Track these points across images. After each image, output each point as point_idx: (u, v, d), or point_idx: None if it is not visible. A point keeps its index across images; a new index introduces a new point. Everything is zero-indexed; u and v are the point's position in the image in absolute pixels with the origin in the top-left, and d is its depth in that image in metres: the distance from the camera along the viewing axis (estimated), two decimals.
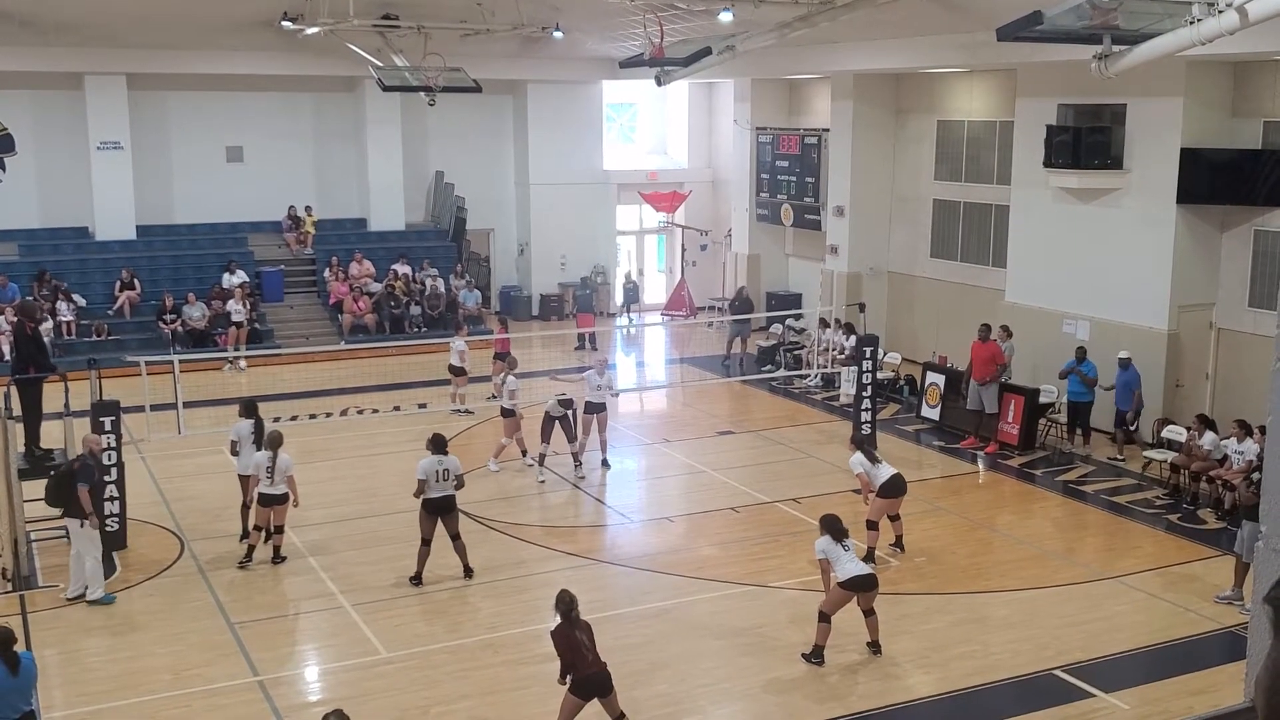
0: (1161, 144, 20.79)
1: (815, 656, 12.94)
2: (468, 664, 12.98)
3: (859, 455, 15.79)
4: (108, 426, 16.02)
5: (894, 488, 15.68)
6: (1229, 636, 13.60)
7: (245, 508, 16.32)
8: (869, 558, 15.20)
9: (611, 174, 34.41)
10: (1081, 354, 20.84)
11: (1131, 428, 20.54)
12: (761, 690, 12.53)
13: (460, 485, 15.21)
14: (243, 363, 26.89)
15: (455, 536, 15.23)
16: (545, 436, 19.42)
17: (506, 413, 19.75)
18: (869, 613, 13.05)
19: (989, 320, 22.52)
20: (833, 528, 12.90)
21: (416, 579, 15.07)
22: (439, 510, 15.07)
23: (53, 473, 14.98)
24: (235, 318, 28.01)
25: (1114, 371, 20.56)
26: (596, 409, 19.80)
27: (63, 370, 17.45)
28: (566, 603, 11.07)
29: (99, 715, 11.83)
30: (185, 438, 18.90)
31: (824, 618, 12.91)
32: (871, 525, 15.60)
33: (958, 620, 14.20)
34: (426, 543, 15.09)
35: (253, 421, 16.43)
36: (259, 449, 15.80)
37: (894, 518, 16.08)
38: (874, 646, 13.15)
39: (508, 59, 29.61)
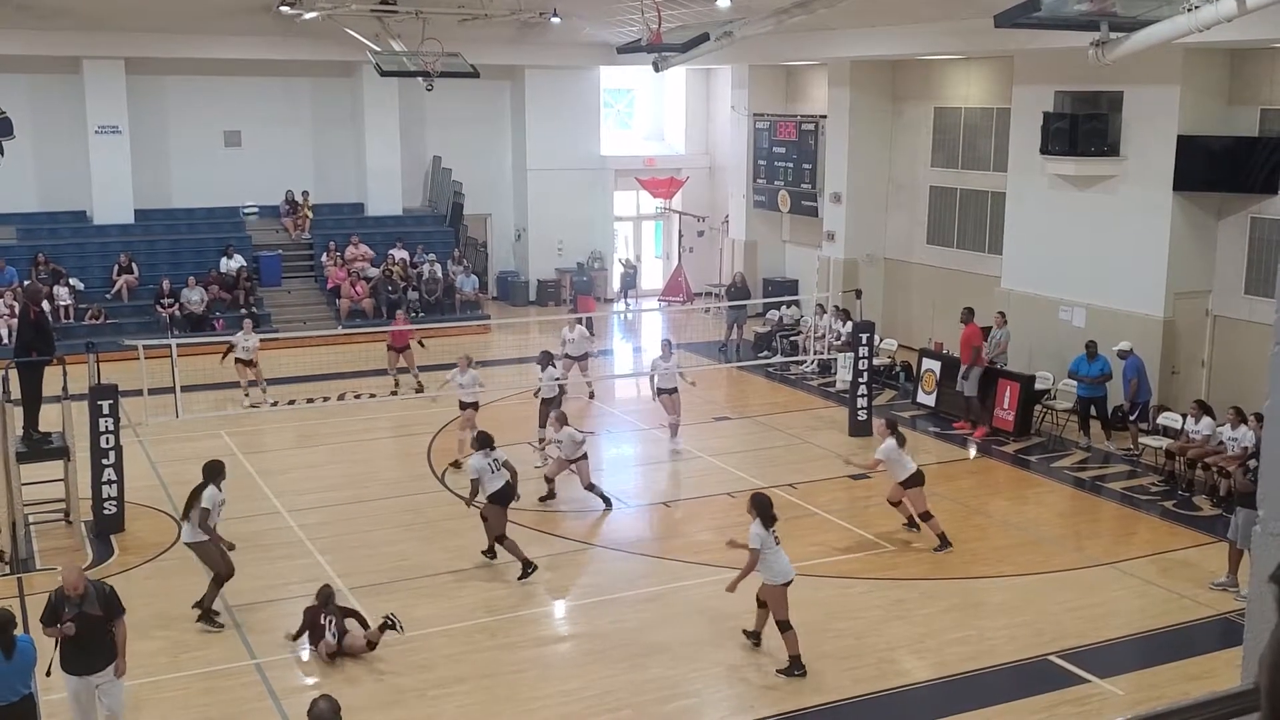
0: (1158, 131, 20.81)
1: (796, 669, 12.49)
2: (464, 647, 13.03)
3: (892, 441, 15.95)
4: (105, 410, 16.06)
5: (916, 480, 15.97)
6: (1224, 622, 13.67)
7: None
8: (911, 524, 16.32)
9: (609, 160, 34.38)
10: (1093, 349, 20.53)
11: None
12: (757, 674, 12.58)
13: (513, 471, 15.12)
14: (263, 397, 22.71)
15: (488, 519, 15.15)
16: (543, 421, 19.50)
17: (465, 405, 19.56)
18: (764, 604, 12.86)
19: (985, 307, 22.59)
20: (764, 511, 12.51)
21: (528, 566, 14.82)
22: (506, 499, 14.91)
23: (71, 625, 10.28)
24: (242, 354, 22.55)
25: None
26: (668, 391, 20.26)
27: (60, 354, 17.44)
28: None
29: None
30: (183, 421, 18.94)
31: (785, 626, 12.50)
32: (894, 503, 16.39)
33: (953, 606, 14.26)
34: (503, 538, 14.86)
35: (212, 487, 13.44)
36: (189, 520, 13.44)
37: (926, 516, 16.14)
38: (754, 637, 13.00)
39: (505, 44, 29.56)
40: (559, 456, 17.58)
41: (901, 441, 16.08)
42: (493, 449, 15.00)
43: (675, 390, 20.39)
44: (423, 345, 23.96)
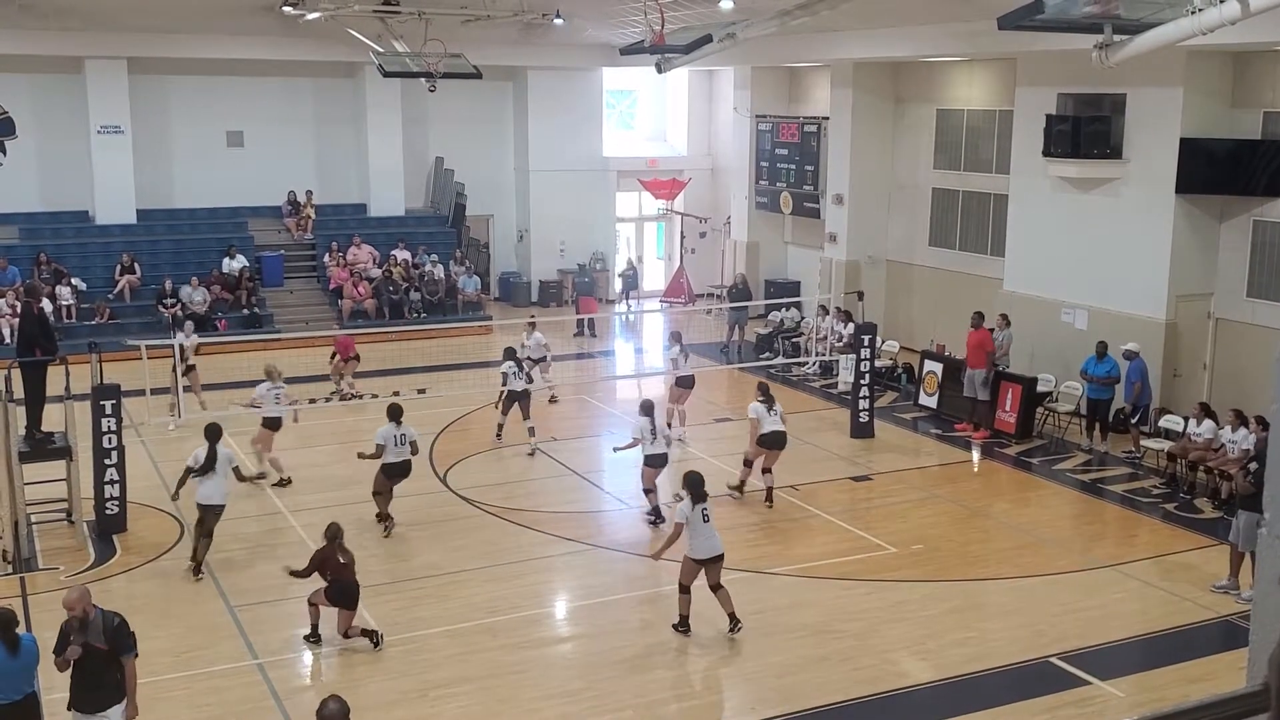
0: (1161, 134, 20.82)
1: (681, 625, 13.25)
2: (466, 648, 13.03)
3: (758, 404, 17.46)
4: (108, 410, 16.07)
5: (772, 441, 17.31)
6: (1225, 625, 13.68)
7: (201, 536, 14.90)
8: (738, 488, 17.78)
9: (611, 161, 34.41)
10: (1102, 349, 20.41)
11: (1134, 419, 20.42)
12: (758, 675, 12.59)
13: (415, 451, 16.39)
14: (179, 415, 20.08)
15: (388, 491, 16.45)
16: (524, 412, 20.21)
17: (270, 423, 18.46)
18: (717, 588, 13.11)
19: (987, 309, 22.62)
20: (695, 490, 13.06)
21: (387, 520, 16.40)
22: (399, 474, 16.29)
23: (77, 648, 9.59)
24: (188, 359, 21.35)
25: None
26: (686, 383, 20.93)
27: (63, 354, 17.45)
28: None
29: None
30: (185, 421, 18.95)
31: (684, 589, 13.20)
32: (747, 462, 17.71)
33: (954, 607, 14.26)
34: (379, 494, 16.34)
35: (206, 447, 14.74)
36: (210, 475, 14.59)
37: (766, 470, 17.48)
38: (734, 621, 13.13)
39: (508, 45, 29.60)
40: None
41: (769, 404, 17.37)
42: (401, 423, 16.10)
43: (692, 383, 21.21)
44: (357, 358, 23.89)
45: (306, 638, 13.07)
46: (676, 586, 13.33)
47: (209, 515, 14.74)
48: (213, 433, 14.88)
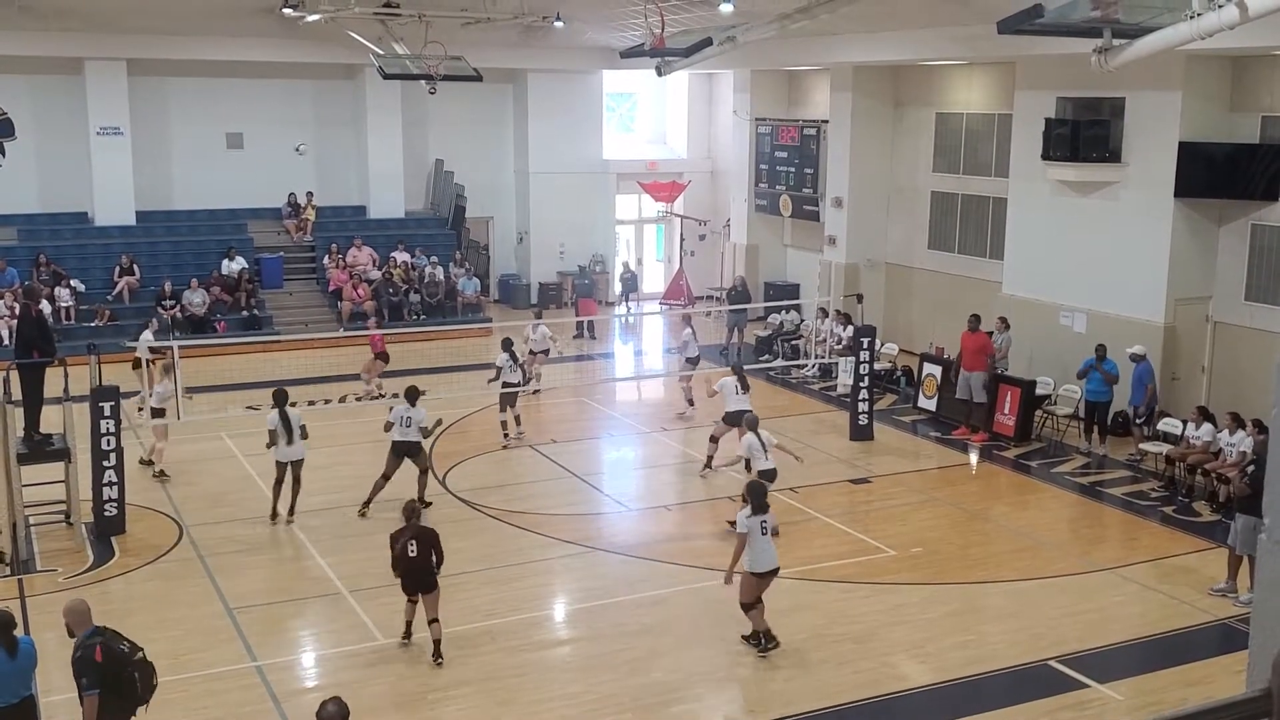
0: (1160, 138, 20.84)
1: (768, 640, 12.89)
2: (465, 651, 13.02)
3: (730, 379, 18.46)
4: (107, 411, 16.07)
5: (735, 419, 17.74)
6: (1223, 628, 13.69)
7: (279, 484, 16.74)
8: (706, 465, 18.83)
9: (611, 163, 34.44)
10: (1102, 352, 20.36)
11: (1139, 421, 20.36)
12: (758, 678, 12.60)
13: (426, 434, 16.95)
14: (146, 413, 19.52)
15: (423, 470, 17.07)
16: (512, 402, 20.71)
17: (157, 413, 18.63)
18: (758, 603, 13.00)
19: (986, 312, 22.63)
20: (757, 500, 12.87)
21: (364, 506, 16.93)
22: (403, 453, 16.84)
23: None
24: (142, 353, 20.75)
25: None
26: (694, 363, 22.46)
27: (62, 355, 17.43)
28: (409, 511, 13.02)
29: None
30: (184, 423, 18.94)
31: (747, 608, 12.87)
32: (713, 439, 18.77)
33: (953, 610, 14.27)
34: (386, 477, 16.88)
35: (277, 411, 16.61)
36: (290, 440, 16.52)
37: (713, 439, 18.73)
38: (758, 638, 13.01)
39: (508, 48, 29.62)
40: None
41: (743, 385, 18.39)
42: (414, 404, 16.78)
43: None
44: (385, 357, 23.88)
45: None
46: (739, 608, 12.94)
47: (294, 469, 16.64)
48: (280, 397, 16.69)
